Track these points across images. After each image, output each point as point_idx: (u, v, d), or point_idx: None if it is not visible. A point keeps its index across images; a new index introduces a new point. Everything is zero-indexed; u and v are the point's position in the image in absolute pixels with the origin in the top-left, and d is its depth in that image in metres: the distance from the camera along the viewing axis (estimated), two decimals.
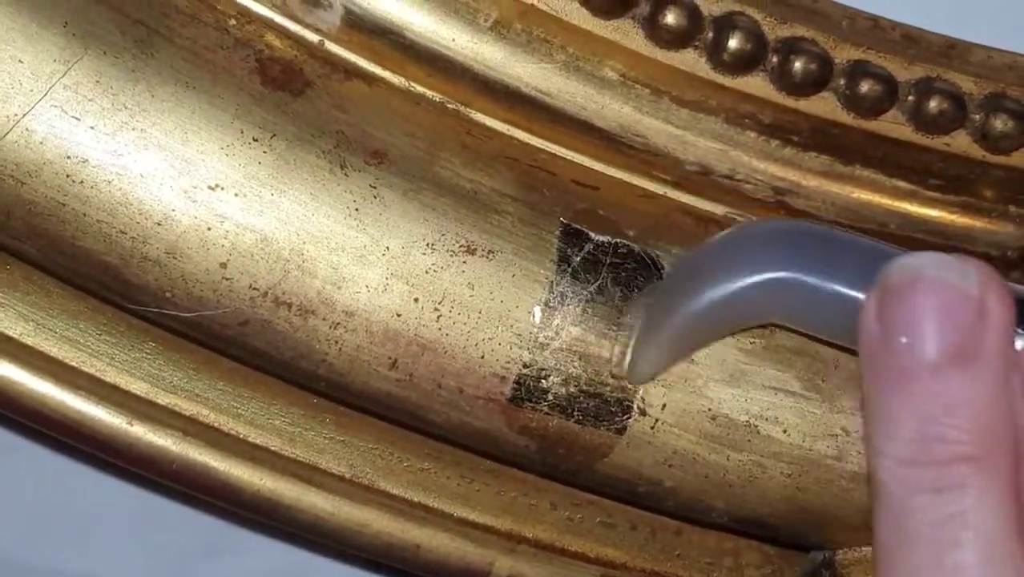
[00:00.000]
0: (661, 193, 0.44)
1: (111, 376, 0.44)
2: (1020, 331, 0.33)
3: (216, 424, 0.45)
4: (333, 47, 0.42)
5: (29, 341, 0.43)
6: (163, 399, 0.44)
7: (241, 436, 0.45)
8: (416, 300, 0.40)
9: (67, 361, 0.44)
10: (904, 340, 0.31)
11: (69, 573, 0.56)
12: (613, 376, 0.41)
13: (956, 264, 0.32)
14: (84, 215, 0.39)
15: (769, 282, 0.37)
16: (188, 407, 0.44)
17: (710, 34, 0.42)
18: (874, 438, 0.32)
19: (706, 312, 0.38)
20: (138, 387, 0.44)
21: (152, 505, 0.54)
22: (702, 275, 0.38)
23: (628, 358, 0.40)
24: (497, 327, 0.40)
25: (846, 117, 0.43)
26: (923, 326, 0.31)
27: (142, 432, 0.44)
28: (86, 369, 0.44)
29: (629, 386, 0.41)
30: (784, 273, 0.36)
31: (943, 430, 0.31)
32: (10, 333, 0.43)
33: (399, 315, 0.40)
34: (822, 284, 0.36)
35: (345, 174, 0.40)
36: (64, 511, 0.56)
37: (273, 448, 0.45)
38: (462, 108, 0.43)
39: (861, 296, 0.35)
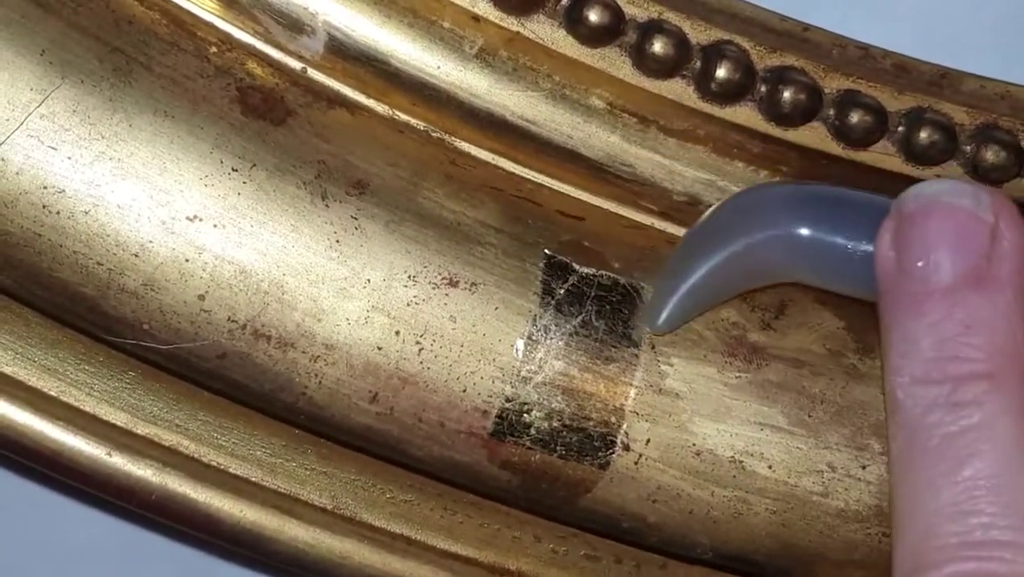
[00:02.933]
0: (648, 224, 0.43)
1: (90, 406, 0.44)
2: None
3: (196, 455, 0.44)
4: (316, 75, 0.41)
5: (7, 370, 0.43)
6: (142, 429, 0.44)
7: (222, 467, 0.44)
8: (397, 333, 0.40)
9: (45, 391, 0.43)
10: (920, 264, 0.32)
11: None
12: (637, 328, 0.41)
13: (970, 190, 0.33)
14: (60, 246, 0.38)
15: (785, 237, 0.38)
16: (168, 437, 0.44)
17: (698, 63, 0.42)
18: (890, 357, 0.33)
19: (727, 263, 0.39)
20: (117, 417, 0.44)
21: (132, 538, 0.54)
22: (721, 231, 0.39)
23: (647, 311, 0.41)
24: (479, 360, 0.40)
25: (835, 147, 0.42)
26: (938, 249, 0.32)
27: (121, 463, 0.43)
28: (65, 399, 0.43)
29: (612, 421, 0.41)
30: (801, 229, 0.38)
31: (960, 349, 0.32)
32: None
33: (380, 348, 0.40)
34: (835, 239, 0.37)
35: (326, 205, 0.39)
36: (42, 544, 0.55)
37: (254, 479, 0.45)
38: (446, 137, 0.42)
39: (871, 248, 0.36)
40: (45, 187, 0.38)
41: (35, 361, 0.43)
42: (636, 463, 0.41)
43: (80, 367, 0.44)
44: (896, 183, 0.43)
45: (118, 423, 0.44)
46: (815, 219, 0.38)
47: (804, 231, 0.38)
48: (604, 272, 0.41)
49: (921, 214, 0.33)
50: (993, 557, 0.30)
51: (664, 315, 0.40)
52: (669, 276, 0.40)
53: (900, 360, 0.32)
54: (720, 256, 0.39)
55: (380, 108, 0.42)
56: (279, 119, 0.40)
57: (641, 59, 0.41)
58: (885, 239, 0.33)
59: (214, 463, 0.44)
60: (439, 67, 0.41)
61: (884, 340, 0.33)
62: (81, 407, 0.43)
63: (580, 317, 0.40)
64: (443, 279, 0.40)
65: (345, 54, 0.41)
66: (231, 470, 0.44)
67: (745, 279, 0.40)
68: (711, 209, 0.41)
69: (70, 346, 0.43)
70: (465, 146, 0.42)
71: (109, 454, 0.43)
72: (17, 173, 0.38)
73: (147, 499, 0.44)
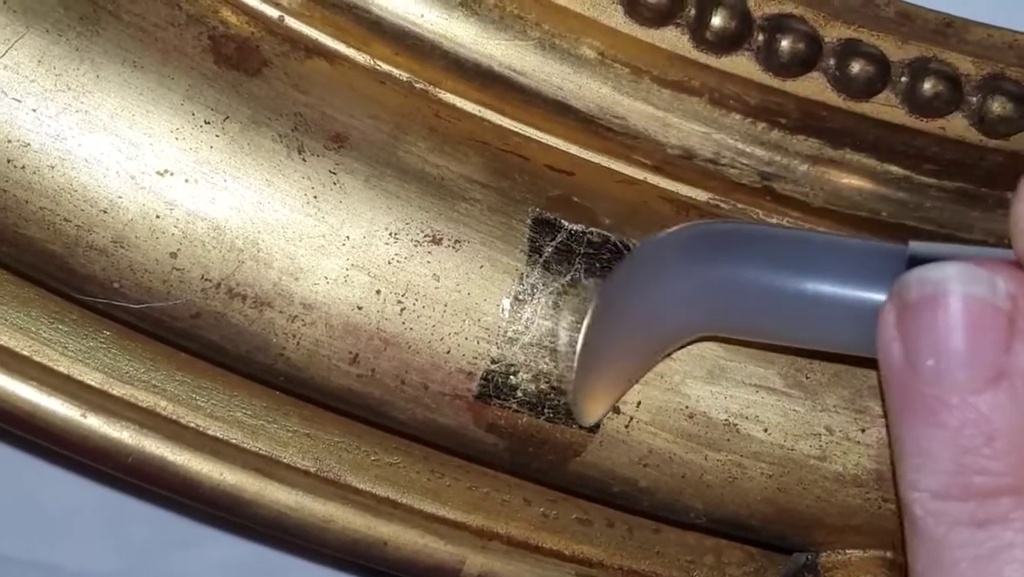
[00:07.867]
0: (641, 178, 0.42)
1: (64, 366, 0.43)
2: None
3: (174, 416, 0.43)
4: (293, 23, 0.40)
5: None
6: (118, 390, 0.43)
7: (201, 429, 0.44)
8: (378, 292, 0.39)
9: (17, 350, 0.43)
10: (931, 363, 0.29)
11: (34, 563, 0.55)
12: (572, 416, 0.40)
13: (984, 276, 0.30)
14: (26, 202, 0.37)
15: (699, 291, 0.36)
16: (145, 398, 0.43)
17: (693, 11, 0.41)
18: (905, 469, 0.30)
19: (637, 337, 0.38)
20: (92, 377, 0.43)
21: (109, 501, 0.54)
22: (628, 298, 0.38)
23: (574, 408, 0.39)
24: (464, 321, 0.39)
25: (836, 99, 0.41)
26: (951, 347, 0.29)
27: (97, 424, 0.43)
28: (37, 358, 0.43)
29: None
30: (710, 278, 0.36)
31: (983, 462, 0.29)
32: None
33: (360, 308, 0.39)
34: (758, 279, 0.35)
35: (303, 159, 0.38)
36: (26, 505, 0.55)
37: (234, 441, 0.44)
38: (430, 88, 0.41)
39: (807, 286, 0.34)
40: (9, 141, 0.37)
41: (6, 319, 0.43)
42: (627, 426, 0.40)
43: (53, 326, 0.43)
44: (899, 135, 0.42)
45: (93, 383, 0.43)
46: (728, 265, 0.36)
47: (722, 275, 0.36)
48: (594, 229, 0.40)
49: (928, 305, 0.29)
50: None
51: (593, 413, 0.39)
52: (585, 371, 0.39)
53: (915, 474, 0.29)
54: (629, 340, 0.38)
55: (360, 58, 0.41)
56: (254, 69, 0.39)
57: (634, 7, 0.40)
58: (888, 322, 0.30)
59: (193, 425, 0.44)
60: (423, 15, 0.40)
61: (895, 444, 0.30)
62: (55, 367, 0.43)
63: (569, 275, 0.39)
64: (426, 236, 0.39)
65: (324, 1, 0.40)
66: (211, 432, 0.44)
67: (663, 348, 0.39)
68: (618, 270, 0.39)
69: (43, 304, 0.43)
70: (449, 98, 0.41)
71: (84, 415, 0.43)
72: None
73: (124, 461, 0.43)
